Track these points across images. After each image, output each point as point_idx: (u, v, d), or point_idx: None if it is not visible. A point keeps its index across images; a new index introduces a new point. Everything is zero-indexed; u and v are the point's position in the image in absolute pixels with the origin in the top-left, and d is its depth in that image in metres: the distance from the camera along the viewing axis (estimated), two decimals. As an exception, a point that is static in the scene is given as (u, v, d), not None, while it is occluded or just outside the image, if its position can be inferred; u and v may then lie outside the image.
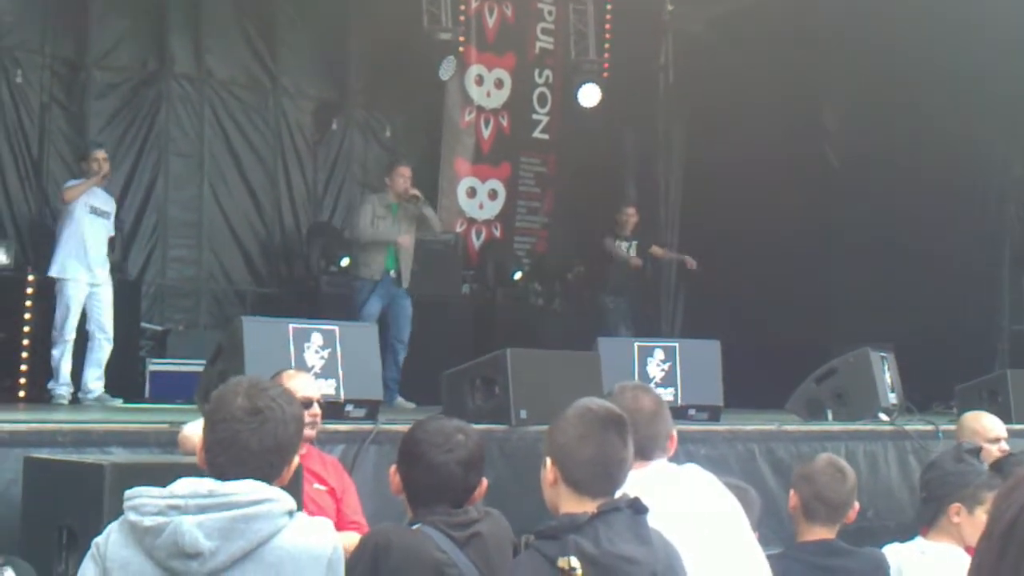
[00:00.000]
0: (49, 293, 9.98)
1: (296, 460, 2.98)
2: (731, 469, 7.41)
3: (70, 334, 9.72)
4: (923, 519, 4.64)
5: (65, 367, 9.70)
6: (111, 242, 10.28)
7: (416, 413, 9.13)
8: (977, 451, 4.86)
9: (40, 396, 9.84)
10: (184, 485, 2.81)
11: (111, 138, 12.28)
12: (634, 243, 13.33)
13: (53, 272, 9.84)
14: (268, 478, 2.85)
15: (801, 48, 13.71)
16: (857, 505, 4.67)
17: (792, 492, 4.68)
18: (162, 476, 2.95)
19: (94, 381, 9.77)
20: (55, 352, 9.72)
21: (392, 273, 10.86)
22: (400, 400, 10.37)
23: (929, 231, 12.72)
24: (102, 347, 9.81)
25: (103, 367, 9.84)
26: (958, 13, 12.22)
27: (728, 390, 8.78)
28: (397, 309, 10.85)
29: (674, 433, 3.85)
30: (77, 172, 12.11)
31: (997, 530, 1.29)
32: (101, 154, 10.10)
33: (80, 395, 9.72)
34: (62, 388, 9.69)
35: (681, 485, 3.73)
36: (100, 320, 9.85)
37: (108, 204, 10.20)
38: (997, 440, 6.34)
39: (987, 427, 6.45)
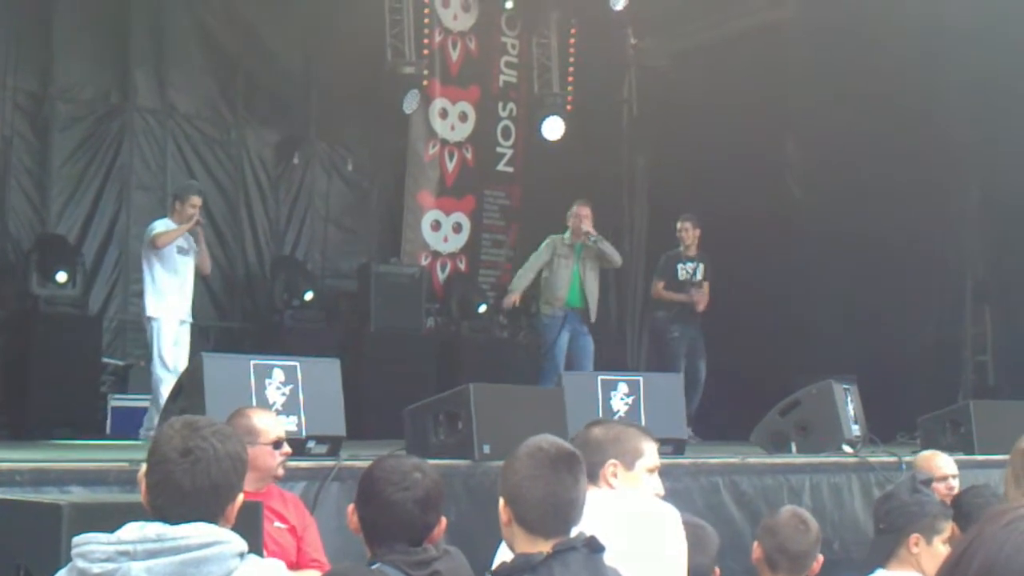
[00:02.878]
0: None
1: (240, 497, 2.95)
2: (695, 502, 7.42)
3: (175, 368, 9.56)
4: (881, 551, 4.65)
5: None
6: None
7: (378, 448, 9.08)
8: (929, 482, 4.94)
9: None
10: (132, 530, 2.78)
11: (73, 171, 12.24)
12: (700, 265, 12.17)
13: (149, 311, 9.88)
14: (210, 518, 2.81)
15: (763, 82, 13.82)
16: (821, 558, 4.71)
17: (756, 544, 4.74)
18: (121, 516, 2.91)
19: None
20: (163, 389, 9.39)
21: (576, 309, 11.38)
22: None
23: (891, 263, 12.80)
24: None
25: None
26: (919, 48, 12.34)
27: (693, 421, 8.79)
28: (580, 346, 11.35)
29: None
30: (37, 206, 12.02)
31: (947, 564, 1.30)
32: (198, 201, 10.12)
33: (142, 433, 9.50)
34: None
35: (618, 516, 3.71)
36: (176, 360, 9.74)
37: (189, 240, 10.15)
38: (944, 478, 6.59)
39: (937, 466, 6.67)
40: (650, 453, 3.97)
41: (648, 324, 15.58)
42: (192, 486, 2.82)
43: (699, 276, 12.12)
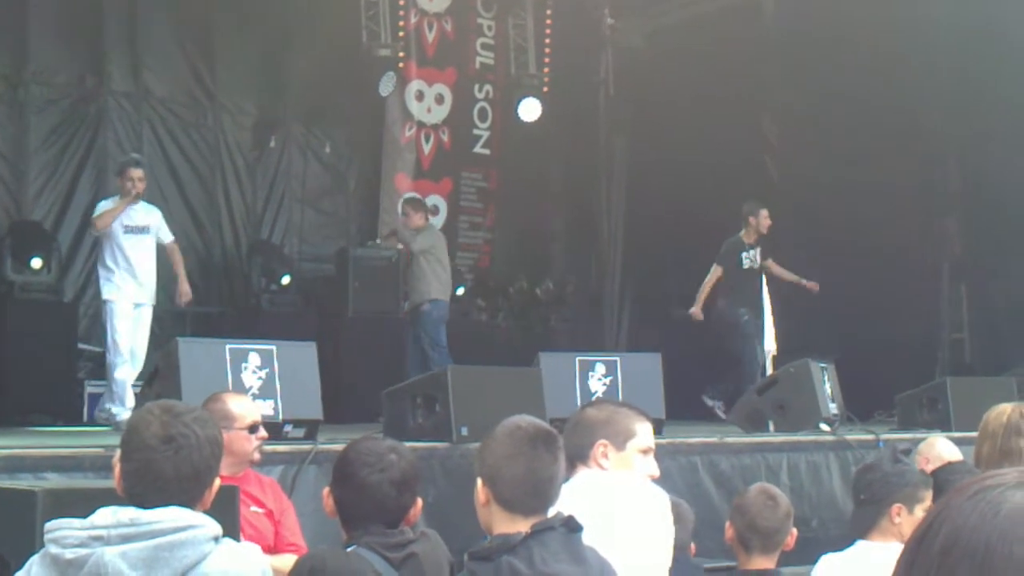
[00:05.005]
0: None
1: (217, 482, 2.94)
2: (674, 482, 7.43)
3: (128, 354, 9.34)
4: (862, 523, 4.65)
5: (130, 391, 9.24)
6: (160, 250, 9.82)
7: (356, 432, 9.08)
8: (909, 451, 4.93)
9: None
10: (105, 515, 2.76)
11: (49, 155, 12.17)
12: (758, 250, 12.07)
13: (105, 295, 9.51)
14: (187, 504, 2.81)
15: (741, 61, 13.81)
16: (794, 532, 4.71)
17: (728, 524, 4.74)
18: (96, 502, 2.89)
19: (117, 406, 9.36)
20: (117, 376, 9.32)
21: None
22: None
23: (868, 242, 12.83)
24: (129, 371, 9.36)
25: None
26: (899, 26, 12.36)
27: (671, 402, 8.80)
28: None
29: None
30: (12, 191, 11.94)
31: (913, 537, 1.30)
32: (137, 173, 9.57)
33: (96, 414, 9.44)
34: (127, 413, 9.10)
35: (603, 496, 3.71)
36: (132, 344, 9.45)
37: (147, 217, 9.66)
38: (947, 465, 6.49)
39: (939, 452, 6.56)
40: (643, 434, 3.94)
41: (629, 303, 15.62)
42: (174, 473, 2.81)
43: (759, 261, 12.04)
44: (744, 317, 11.87)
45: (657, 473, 4.00)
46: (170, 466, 2.81)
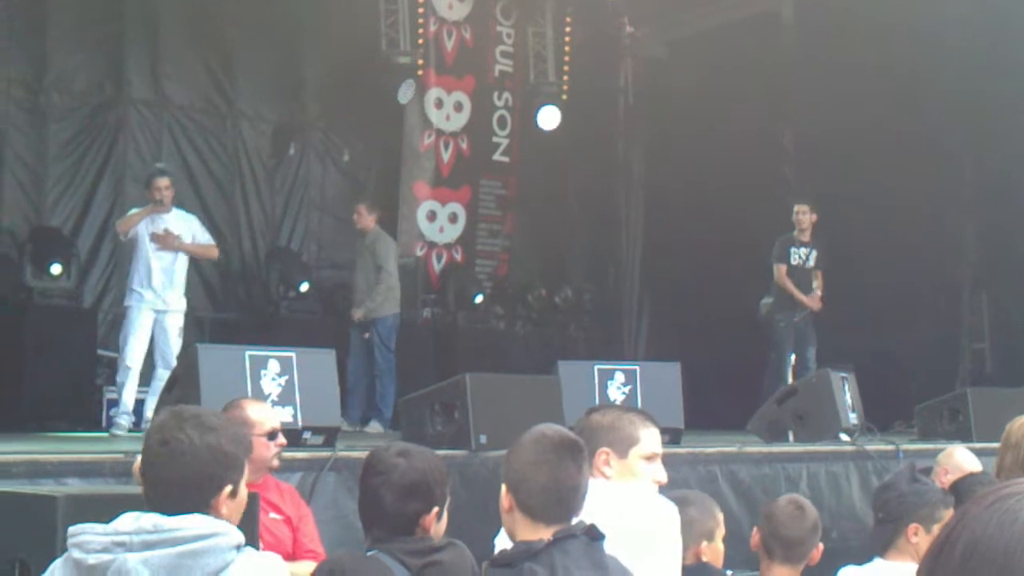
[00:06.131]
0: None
1: (230, 490, 2.90)
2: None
3: (132, 362, 9.47)
4: (880, 541, 4.63)
5: (128, 395, 9.44)
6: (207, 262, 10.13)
7: (375, 439, 9.08)
8: (929, 470, 4.90)
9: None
10: (128, 521, 2.76)
11: (68, 162, 12.21)
12: (813, 251, 11.79)
13: (126, 301, 9.74)
14: (191, 509, 2.79)
15: (759, 70, 13.81)
16: (820, 546, 4.67)
17: (755, 529, 4.70)
18: (117, 507, 2.89)
19: (152, 411, 9.48)
20: (118, 379, 9.54)
21: None
22: None
23: (888, 251, 12.80)
24: (162, 378, 9.26)
25: None
26: (916, 34, 12.34)
27: (690, 411, 8.78)
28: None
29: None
30: (32, 197, 12.00)
31: (932, 547, 1.31)
32: (164, 182, 9.77)
33: (143, 425, 9.33)
34: (123, 417, 9.43)
35: (605, 502, 3.64)
36: (164, 349, 9.56)
37: (178, 226, 9.80)
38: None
39: (958, 463, 6.51)
40: (647, 440, 3.84)
41: (648, 311, 15.60)
42: (170, 477, 2.83)
43: (811, 263, 11.79)
44: (781, 323, 11.72)
45: (665, 479, 3.90)
46: (165, 470, 2.83)
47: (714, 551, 4.63)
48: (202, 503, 2.82)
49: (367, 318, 11.24)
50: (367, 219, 11.54)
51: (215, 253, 10.44)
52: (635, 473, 3.81)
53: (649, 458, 3.85)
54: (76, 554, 2.74)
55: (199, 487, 2.83)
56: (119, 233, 9.83)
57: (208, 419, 2.92)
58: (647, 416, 3.98)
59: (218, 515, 2.83)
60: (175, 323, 9.73)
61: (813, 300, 11.72)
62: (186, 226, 9.95)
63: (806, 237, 11.79)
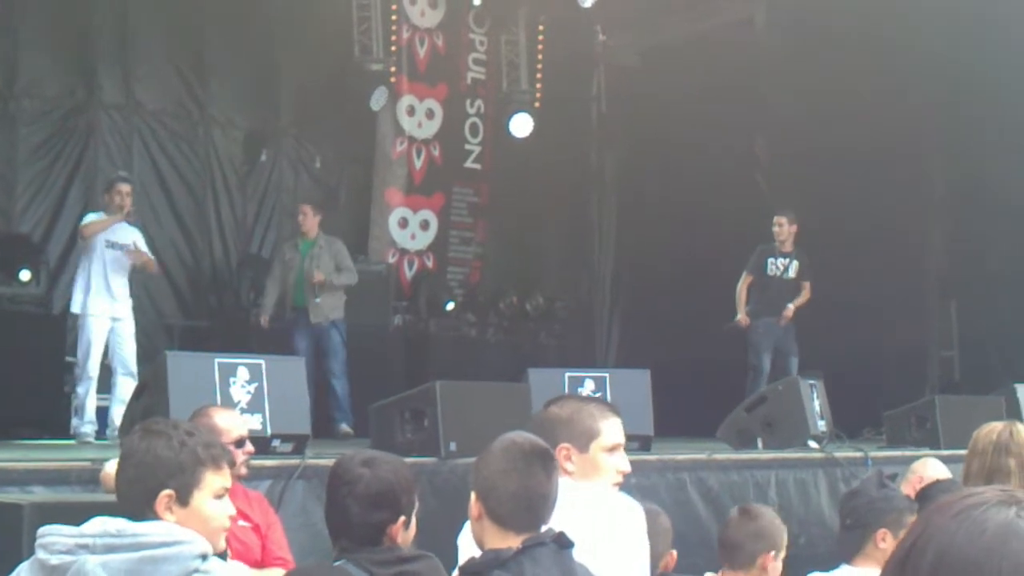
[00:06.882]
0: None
1: (198, 498, 2.95)
2: (662, 499, 7.42)
3: (93, 371, 9.49)
4: (847, 547, 4.67)
5: (90, 404, 9.46)
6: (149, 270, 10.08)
7: (344, 447, 9.05)
8: (895, 476, 4.95)
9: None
10: (96, 524, 2.78)
11: (38, 167, 12.14)
12: (794, 262, 11.72)
13: (75, 308, 9.69)
14: (131, 515, 2.85)
15: (732, 79, 13.85)
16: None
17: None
18: (82, 515, 2.91)
19: (119, 418, 9.45)
20: (79, 390, 9.51)
21: None
22: None
23: (856, 259, 12.86)
24: (124, 384, 9.37)
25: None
26: (886, 41, 12.41)
27: (660, 418, 8.80)
28: None
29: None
30: (1, 203, 11.91)
31: (895, 557, 1.31)
32: (125, 188, 9.79)
33: (108, 432, 9.38)
34: (87, 426, 9.43)
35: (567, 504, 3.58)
36: (122, 356, 9.59)
37: (129, 237, 9.84)
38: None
39: (931, 472, 6.55)
40: (608, 431, 3.73)
41: (619, 319, 15.63)
42: (118, 482, 2.97)
43: (791, 274, 11.72)
44: (759, 329, 11.66)
45: (628, 469, 3.80)
46: (118, 477, 2.98)
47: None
48: (144, 507, 2.88)
49: (329, 319, 11.09)
50: (313, 223, 11.37)
51: (154, 268, 10.44)
52: (598, 467, 3.72)
53: (611, 450, 3.75)
54: (41, 554, 2.77)
55: (137, 491, 2.91)
56: (83, 238, 9.78)
57: (158, 426, 2.99)
58: (607, 406, 3.87)
59: (163, 520, 2.86)
60: (129, 329, 9.73)
61: (743, 319, 11.67)
62: (133, 237, 9.97)
63: (787, 248, 11.75)
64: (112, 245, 9.72)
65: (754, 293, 11.83)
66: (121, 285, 9.73)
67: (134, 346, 9.71)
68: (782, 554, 4.57)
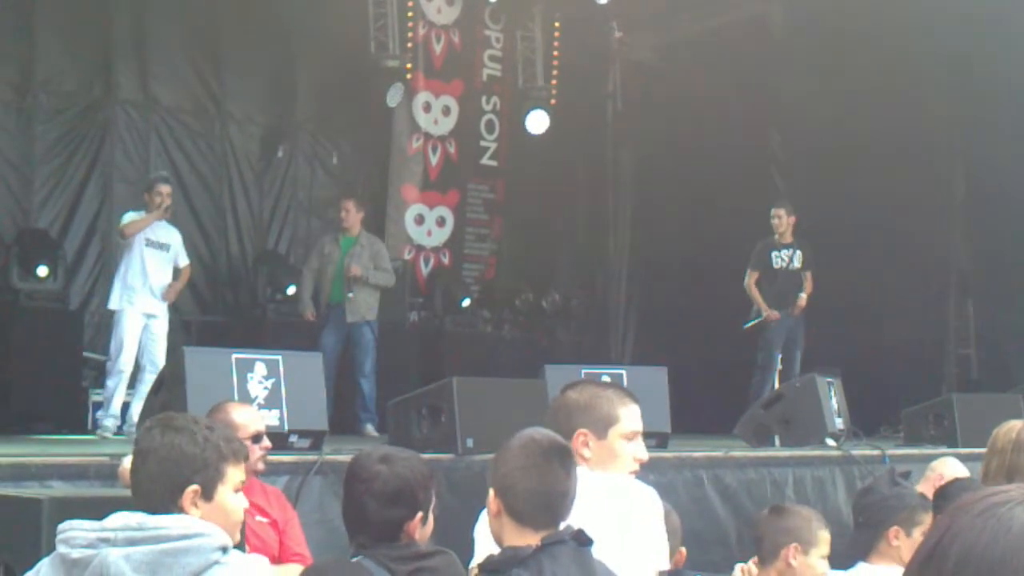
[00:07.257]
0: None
1: (222, 493, 2.94)
2: (679, 496, 7.41)
3: (125, 366, 9.63)
4: (861, 545, 4.66)
5: (117, 399, 9.61)
6: (175, 274, 10.21)
7: (361, 443, 9.07)
8: (907, 474, 4.95)
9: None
10: (117, 518, 2.79)
11: (55, 163, 12.17)
12: (797, 252, 11.75)
13: (112, 304, 9.87)
14: (153, 509, 2.85)
15: (748, 75, 13.83)
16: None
17: None
18: (101, 510, 2.93)
19: (138, 415, 9.53)
20: (109, 383, 9.69)
21: None
22: None
23: (875, 256, 12.82)
24: (151, 382, 9.27)
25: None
26: (903, 37, 12.37)
27: (677, 415, 8.78)
28: None
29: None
30: (19, 199, 11.96)
31: (918, 556, 1.30)
32: (166, 189, 10.04)
33: (126, 428, 9.47)
34: (109, 420, 9.58)
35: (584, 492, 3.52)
36: (152, 353, 9.72)
37: (168, 236, 10.09)
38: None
39: (950, 471, 6.51)
40: (627, 418, 3.69)
41: (635, 316, 15.61)
42: (138, 478, 2.95)
43: (796, 264, 11.72)
44: (770, 325, 11.65)
45: (646, 457, 3.77)
46: (136, 473, 2.96)
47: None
48: (169, 502, 2.87)
49: (364, 318, 11.10)
50: (357, 218, 11.44)
51: (187, 277, 10.63)
52: (615, 454, 3.68)
53: (629, 437, 3.71)
54: (62, 549, 2.78)
55: (161, 486, 2.90)
56: (124, 237, 9.94)
57: (178, 421, 2.98)
58: (626, 393, 3.82)
59: (187, 515, 2.86)
60: (163, 327, 9.90)
61: (772, 314, 11.64)
62: (173, 238, 10.18)
63: (787, 239, 11.77)
64: (151, 243, 9.92)
65: (763, 288, 11.81)
66: (159, 283, 9.90)
67: (165, 345, 9.83)
68: (815, 551, 4.54)
